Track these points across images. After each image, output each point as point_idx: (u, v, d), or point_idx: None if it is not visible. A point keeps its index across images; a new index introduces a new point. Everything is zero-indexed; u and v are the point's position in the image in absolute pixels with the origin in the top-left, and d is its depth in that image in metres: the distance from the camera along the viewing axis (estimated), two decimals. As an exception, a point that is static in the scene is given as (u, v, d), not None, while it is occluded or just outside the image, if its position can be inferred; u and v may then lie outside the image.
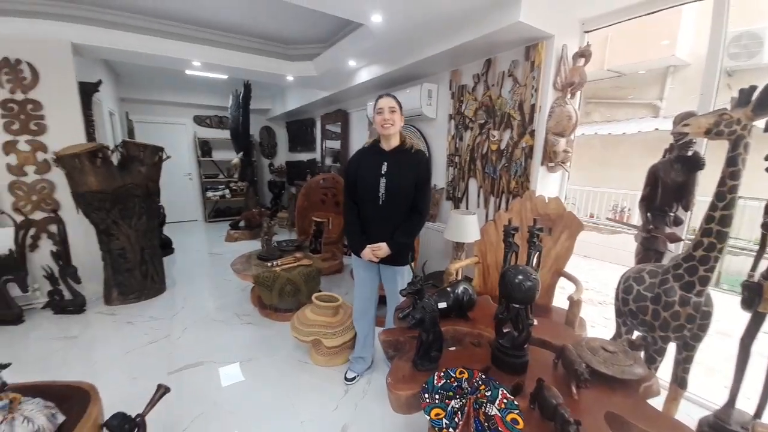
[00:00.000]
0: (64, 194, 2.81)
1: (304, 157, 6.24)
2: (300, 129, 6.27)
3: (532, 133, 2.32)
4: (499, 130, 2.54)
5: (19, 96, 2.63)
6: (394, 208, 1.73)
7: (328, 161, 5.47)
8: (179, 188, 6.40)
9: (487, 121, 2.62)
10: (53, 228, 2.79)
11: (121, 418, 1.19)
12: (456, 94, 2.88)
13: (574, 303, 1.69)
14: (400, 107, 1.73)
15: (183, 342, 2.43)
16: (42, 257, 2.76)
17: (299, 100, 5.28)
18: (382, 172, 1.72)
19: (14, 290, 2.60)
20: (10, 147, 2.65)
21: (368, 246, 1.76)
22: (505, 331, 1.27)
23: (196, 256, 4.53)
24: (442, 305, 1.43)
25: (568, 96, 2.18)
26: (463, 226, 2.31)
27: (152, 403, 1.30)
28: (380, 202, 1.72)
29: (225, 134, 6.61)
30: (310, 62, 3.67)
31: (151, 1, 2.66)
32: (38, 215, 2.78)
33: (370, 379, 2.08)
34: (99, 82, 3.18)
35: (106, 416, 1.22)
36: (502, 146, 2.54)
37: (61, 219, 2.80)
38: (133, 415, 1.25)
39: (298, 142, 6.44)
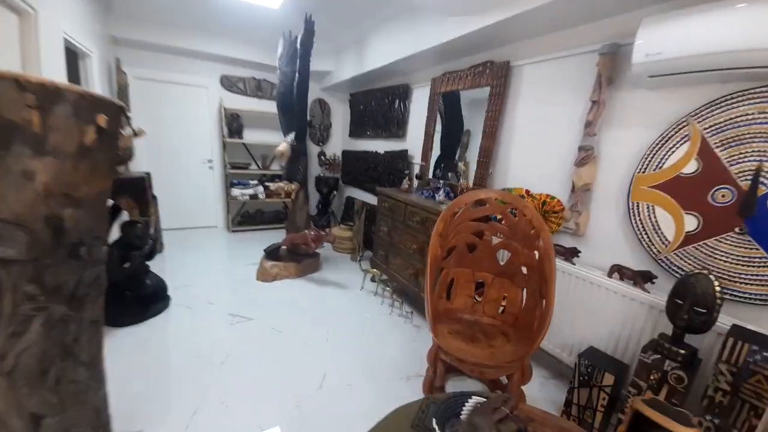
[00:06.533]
0: None
1: (379, 147, 4.09)
2: (376, 103, 4.10)
3: None
4: None
5: None
6: None
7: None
8: (194, 180, 4.42)
9: None
10: None
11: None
12: None
13: None
14: None
15: None
16: None
17: (398, 48, 3.07)
18: None
19: None
20: None
21: None
22: None
23: (205, 318, 2.47)
24: None
25: None
26: None
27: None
28: None
29: (264, 106, 4.58)
30: None
31: None
32: None
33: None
34: None
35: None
36: None
37: None
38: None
39: (372, 123, 4.27)
